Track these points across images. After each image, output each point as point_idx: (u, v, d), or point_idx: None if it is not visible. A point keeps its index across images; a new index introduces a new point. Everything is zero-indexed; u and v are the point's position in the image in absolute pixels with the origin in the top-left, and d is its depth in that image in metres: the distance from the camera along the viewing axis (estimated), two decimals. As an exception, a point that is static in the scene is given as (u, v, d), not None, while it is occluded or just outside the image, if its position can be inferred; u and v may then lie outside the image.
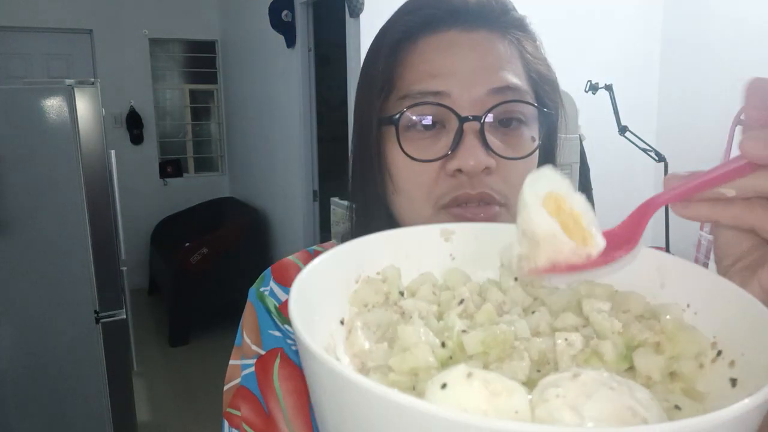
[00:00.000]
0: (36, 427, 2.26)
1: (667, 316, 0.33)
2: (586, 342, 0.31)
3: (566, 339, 0.30)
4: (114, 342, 2.32)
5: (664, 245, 2.71)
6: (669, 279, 0.35)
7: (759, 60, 2.68)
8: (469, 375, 0.23)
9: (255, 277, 0.62)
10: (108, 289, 2.28)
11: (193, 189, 5.28)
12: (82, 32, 4.82)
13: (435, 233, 0.39)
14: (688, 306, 0.33)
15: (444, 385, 0.23)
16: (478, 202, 0.50)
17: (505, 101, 0.51)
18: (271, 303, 0.59)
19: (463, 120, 0.50)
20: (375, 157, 0.55)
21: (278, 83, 3.89)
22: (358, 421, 0.23)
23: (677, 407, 0.28)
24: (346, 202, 0.64)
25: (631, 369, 0.30)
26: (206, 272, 3.89)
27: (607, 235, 0.34)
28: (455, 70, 0.51)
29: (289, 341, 0.56)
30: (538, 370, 0.30)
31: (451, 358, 0.30)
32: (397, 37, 0.54)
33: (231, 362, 0.59)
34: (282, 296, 0.59)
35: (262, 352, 0.57)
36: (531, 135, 0.54)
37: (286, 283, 0.60)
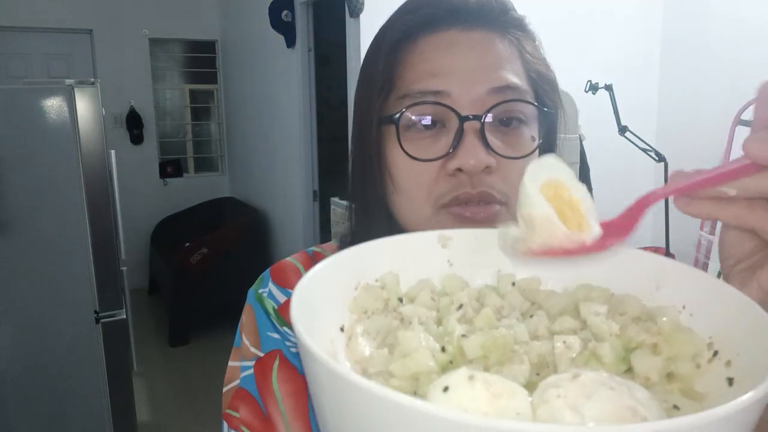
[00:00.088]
0: (36, 427, 2.26)
1: (664, 318, 0.33)
2: (584, 345, 0.31)
3: (564, 342, 0.31)
4: (114, 342, 2.32)
5: (664, 245, 2.71)
6: (664, 281, 0.35)
7: (759, 60, 2.68)
8: (471, 378, 0.24)
9: (255, 277, 0.62)
10: (108, 289, 2.29)
11: (193, 189, 5.28)
12: (82, 32, 4.82)
13: (433, 240, 0.40)
14: (683, 308, 0.34)
15: (446, 388, 0.24)
16: (479, 202, 0.50)
17: (506, 100, 0.51)
18: (270, 305, 0.59)
19: (463, 119, 0.50)
20: (375, 156, 0.55)
21: (278, 83, 3.89)
22: (360, 423, 0.23)
23: (676, 407, 0.28)
24: (346, 202, 0.64)
25: (629, 371, 0.31)
26: (206, 272, 3.89)
27: (605, 224, 0.34)
28: (455, 69, 0.51)
29: (287, 343, 0.56)
30: (538, 373, 0.30)
31: (451, 362, 0.30)
32: (397, 37, 0.54)
33: (230, 364, 0.59)
34: (281, 298, 0.59)
35: (261, 354, 0.57)
36: (531, 134, 0.54)
37: (284, 285, 0.60)
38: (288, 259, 0.63)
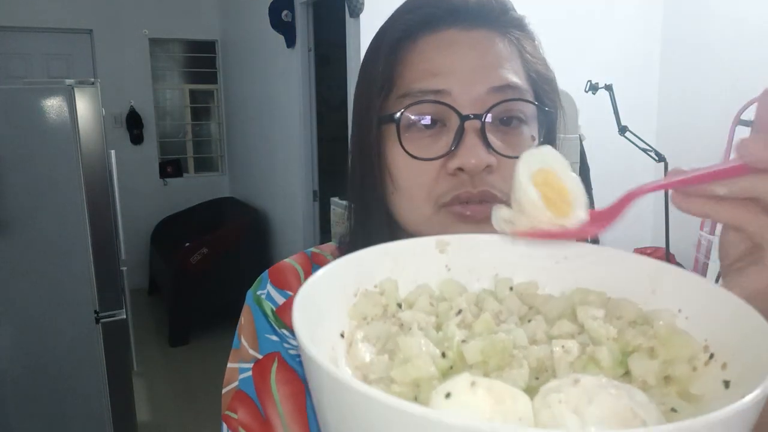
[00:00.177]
0: (36, 427, 2.26)
1: (660, 322, 0.33)
2: (582, 349, 0.31)
3: (563, 346, 0.31)
4: (114, 342, 2.32)
5: (664, 245, 2.71)
6: (660, 285, 0.36)
7: (759, 60, 2.68)
8: (473, 383, 0.24)
9: (255, 277, 0.62)
10: (108, 289, 2.29)
11: (193, 189, 5.28)
12: (82, 32, 4.82)
13: (430, 245, 0.40)
14: (679, 311, 0.34)
15: (448, 395, 0.24)
16: (480, 201, 0.50)
17: (506, 99, 0.51)
18: (268, 307, 0.58)
19: (464, 118, 0.50)
20: (375, 156, 0.55)
21: (278, 83, 3.89)
22: (363, 430, 0.23)
23: (674, 410, 0.28)
24: (345, 202, 0.64)
25: (626, 374, 0.31)
26: (206, 272, 3.89)
27: (593, 213, 0.36)
28: (455, 68, 0.51)
29: (286, 345, 0.56)
30: (537, 378, 0.31)
31: (451, 368, 0.31)
32: (397, 36, 0.54)
33: (229, 365, 0.59)
34: (279, 299, 0.59)
35: (259, 356, 0.56)
36: (531, 134, 0.54)
37: (283, 287, 0.60)
38: (286, 260, 0.63)
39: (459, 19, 0.53)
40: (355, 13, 2.65)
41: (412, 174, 0.52)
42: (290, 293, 0.59)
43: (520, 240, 0.39)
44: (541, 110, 0.55)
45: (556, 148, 0.59)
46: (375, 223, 0.57)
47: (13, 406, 2.21)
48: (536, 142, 0.54)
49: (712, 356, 0.31)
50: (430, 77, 0.52)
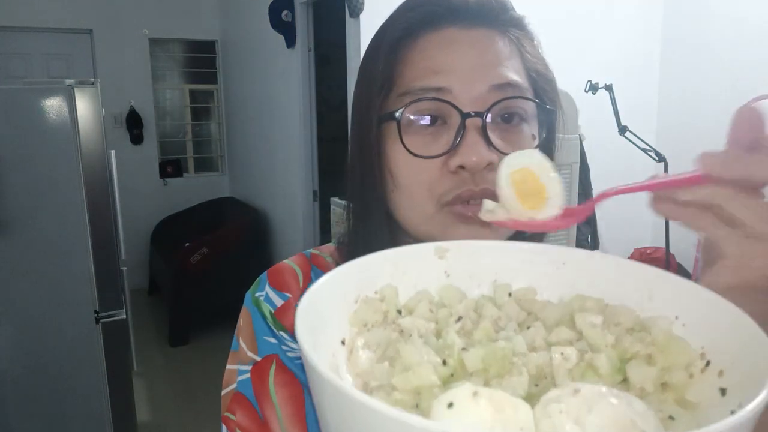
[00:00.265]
0: (36, 427, 2.26)
1: (657, 329, 0.34)
2: (580, 356, 0.32)
3: (562, 353, 0.31)
4: (114, 342, 2.32)
5: (664, 245, 2.72)
6: (657, 292, 0.36)
7: (759, 60, 2.68)
8: (475, 394, 0.24)
9: (255, 278, 0.62)
10: (108, 289, 2.29)
11: (193, 189, 5.28)
12: (82, 32, 4.82)
13: (430, 251, 0.40)
14: (676, 318, 0.34)
15: (450, 404, 0.24)
16: (481, 200, 0.50)
17: (507, 97, 0.51)
18: (267, 308, 0.58)
19: (465, 116, 0.50)
20: (375, 155, 0.55)
21: (278, 83, 3.89)
22: None
23: (671, 417, 0.28)
24: (345, 202, 0.64)
25: (624, 381, 0.31)
26: (206, 272, 3.89)
27: (568, 209, 0.41)
28: (456, 66, 0.52)
29: (284, 347, 0.56)
30: (536, 385, 0.31)
31: (452, 375, 0.31)
32: (397, 35, 0.54)
33: (228, 367, 0.59)
34: (277, 301, 0.59)
35: (258, 359, 0.56)
36: (531, 133, 0.54)
37: (281, 288, 0.60)
38: (285, 261, 0.63)
39: (459, 17, 0.53)
40: (355, 13, 2.65)
41: (412, 172, 0.52)
42: (289, 295, 0.59)
43: (519, 246, 0.41)
44: (541, 109, 0.55)
45: (555, 148, 0.60)
46: (374, 222, 0.57)
47: (13, 406, 2.21)
48: (536, 141, 0.54)
49: (708, 363, 0.31)
50: (431, 75, 0.52)
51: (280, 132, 3.99)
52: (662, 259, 2.82)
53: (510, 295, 0.39)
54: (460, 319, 0.35)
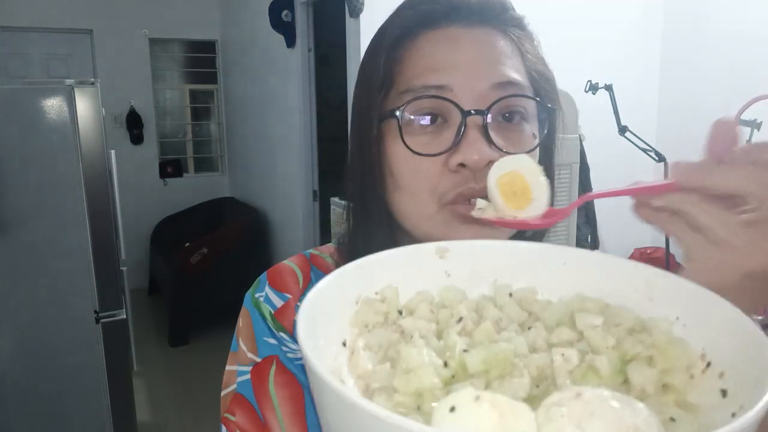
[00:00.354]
0: (36, 427, 2.26)
1: (658, 330, 0.34)
2: (581, 357, 0.32)
3: (563, 354, 0.31)
4: (114, 342, 2.32)
5: (663, 245, 2.71)
6: (657, 292, 0.36)
7: (759, 60, 2.68)
8: (477, 398, 0.24)
9: (255, 278, 0.62)
10: (108, 289, 2.28)
11: (193, 189, 5.28)
12: (82, 32, 4.82)
13: (430, 251, 0.40)
14: (677, 319, 0.34)
15: (453, 408, 0.24)
16: (483, 198, 0.50)
17: (508, 95, 0.51)
18: (267, 309, 0.58)
19: (466, 114, 0.50)
20: (375, 154, 0.55)
21: (278, 83, 3.89)
22: None
23: (672, 419, 0.28)
24: (345, 202, 0.64)
25: (625, 382, 0.31)
26: (206, 272, 3.89)
27: (552, 210, 0.45)
28: (457, 64, 0.51)
29: (284, 348, 0.56)
30: (537, 386, 0.31)
31: (453, 377, 0.31)
32: (397, 34, 0.54)
33: (227, 368, 0.59)
34: (277, 302, 0.58)
35: (258, 360, 0.56)
36: (532, 132, 0.54)
37: (281, 289, 0.59)
38: (285, 262, 0.63)
39: (460, 16, 0.53)
40: (355, 13, 2.65)
41: (413, 171, 0.52)
42: (288, 296, 0.59)
43: (519, 246, 0.41)
44: (541, 108, 0.55)
45: (555, 148, 0.60)
46: (374, 222, 0.57)
47: (13, 406, 2.21)
48: (537, 140, 0.54)
49: (709, 365, 0.31)
50: (432, 73, 0.52)
51: (280, 132, 3.99)
52: (662, 260, 2.82)
53: (510, 295, 0.39)
54: (461, 319, 0.35)
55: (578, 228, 2.36)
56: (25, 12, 4.54)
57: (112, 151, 2.27)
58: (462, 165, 0.50)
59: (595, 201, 1.93)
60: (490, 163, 0.49)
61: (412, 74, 0.53)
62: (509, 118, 0.52)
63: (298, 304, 0.31)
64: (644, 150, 2.58)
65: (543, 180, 0.44)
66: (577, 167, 2.26)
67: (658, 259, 2.92)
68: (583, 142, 2.47)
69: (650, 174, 3.07)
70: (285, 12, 3.47)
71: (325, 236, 3.70)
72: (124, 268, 2.37)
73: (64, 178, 2.16)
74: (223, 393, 0.58)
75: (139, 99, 5.01)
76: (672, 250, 2.75)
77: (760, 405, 0.22)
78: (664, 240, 2.65)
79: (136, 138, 5.04)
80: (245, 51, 4.63)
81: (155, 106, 5.18)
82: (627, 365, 0.31)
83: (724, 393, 0.29)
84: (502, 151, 0.50)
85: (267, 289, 0.60)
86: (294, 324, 0.56)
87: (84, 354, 2.28)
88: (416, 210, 0.53)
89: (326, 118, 4.16)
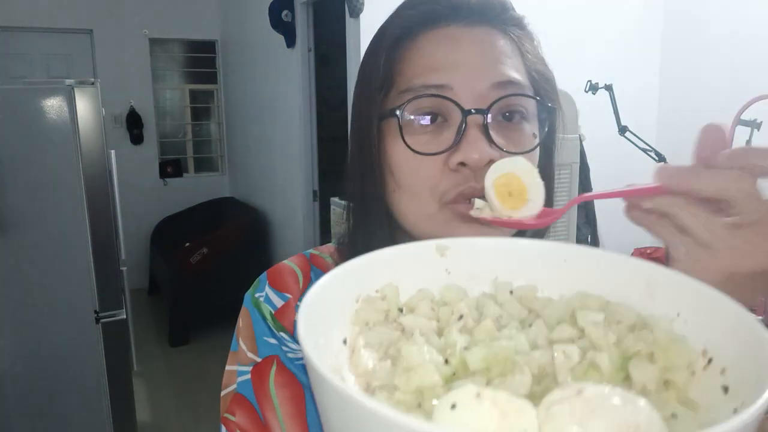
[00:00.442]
0: (36, 427, 2.26)
1: (658, 326, 0.33)
2: (583, 354, 0.31)
3: (564, 351, 0.31)
4: (114, 342, 2.32)
5: (663, 245, 2.71)
6: (658, 289, 0.36)
7: (759, 60, 2.68)
8: (478, 395, 0.24)
9: (254, 278, 0.62)
10: (108, 289, 2.29)
11: (193, 189, 5.28)
12: (82, 32, 4.82)
13: (431, 249, 0.40)
14: (678, 315, 0.34)
15: (453, 406, 0.24)
16: (483, 197, 0.51)
17: (509, 95, 0.51)
18: (267, 309, 0.58)
19: (466, 113, 0.50)
20: (375, 154, 0.55)
21: (278, 83, 3.89)
22: None
23: (674, 416, 0.28)
24: (345, 202, 0.64)
25: (626, 379, 0.31)
26: (206, 272, 3.89)
27: (545, 210, 0.46)
28: (457, 64, 0.51)
29: (284, 348, 0.56)
30: (539, 383, 0.31)
31: (454, 374, 0.31)
32: (397, 33, 0.54)
33: (227, 368, 0.59)
34: (277, 302, 0.58)
35: (258, 359, 0.56)
36: (532, 131, 0.54)
37: (281, 289, 0.59)
38: (285, 262, 0.63)
39: (460, 15, 0.53)
40: (355, 13, 2.65)
41: (414, 170, 0.52)
42: (289, 296, 0.59)
43: (520, 243, 0.41)
44: (542, 108, 0.55)
45: (555, 147, 0.60)
46: (374, 222, 0.57)
47: (13, 406, 2.21)
48: (537, 139, 0.54)
49: (710, 361, 0.31)
50: (432, 72, 0.52)
51: (280, 132, 3.99)
52: (662, 260, 2.81)
53: (511, 292, 0.39)
54: (461, 317, 0.35)
55: (578, 228, 2.36)
56: (25, 12, 4.54)
57: (112, 151, 2.27)
58: (462, 164, 0.50)
59: (596, 201, 1.93)
60: (491, 162, 0.49)
61: (412, 74, 0.53)
62: (509, 117, 0.52)
63: (299, 303, 0.31)
64: (644, 150, 2.58)
65: (538, 182, 0.46)
66: (577, 167, 2.26)
67: (658, 260, 2.92)
68: (583, 142, 2.47)
69: (650, 174, 3.07)
70: (285, 12, 3.47)
71: (325, 236, 3.70)
72: (124, 268, 2.37)
73: (64, 178, 2.16)
74: (222, 393, 0.58)
75: (139, 99, 5.01)
76: (672, 250, 2.74)
77: (761, 401, 0.22)
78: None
79: (136, 138, 5.04)
80: (245, 51, 4.63)
81: (155, 106, 5.18)
82: (628, 362, 0.31)
83: (725, 389, 0.29)
84: (502, 150, 0.50)
85: (267, 289, 0.59)
86: (294, 324, 0.56)
87: (84, 354, 2.28)
88: (416, 209, 0.53)
89: (326, 118, 4.15)
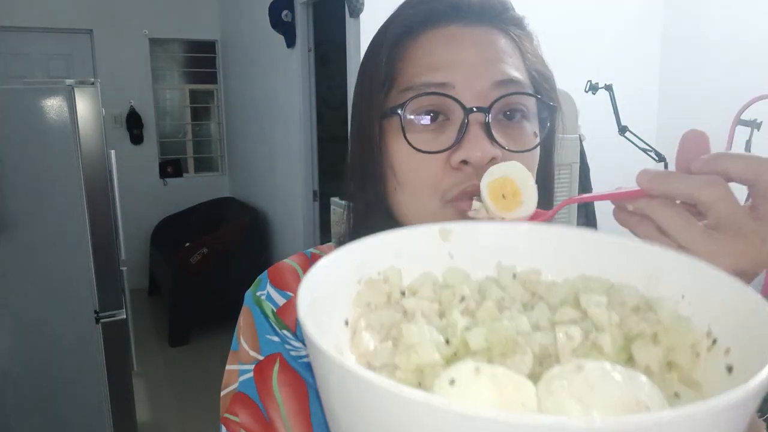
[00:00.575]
0: (36, 427, 2.26)
1: (663, 308, 0.33)
2: (585, 335, 0.31)
3: (566, 332, 0.31)
4: (114, 342, 2.32)
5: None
6: (663, 270, 0.35)
7: (759, 60, 2.68)
8: (477, 370, 0.24)
9: (255, 278, 0.62)
10: (108, 289, 2.29)
11: (193, 189, 5.28)
12: (82, 32, 4.82)
13: (434, 233, 0.40)
14: (682, 297, 0.34)
15: (452, 381, 0.24)
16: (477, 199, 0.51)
17: (510, 93, 0.51)
18: (269, 308, 0.58)
19: (468, 111, 0.50)
20: (377, 153, 0.55)
21: (278, 83, 3.89)
22: (369, 418, 0.23)
23: (676, 395, 0.28)
24: (345, 202, 0.64)
25: (630, 360, 0.31)
26: (206, 272, 3.89)
27: (538, 212, 0.47)
28: (458, 62, 0.52)
29: (287, 346, 0.56)
30: (541, 364, 0.30)
31: (455, 354, 0.31)
32: (398, 32, 0.55)
33: (228, 367, 0.58)
34: (279, 300, 0.58)
35: (260, 358, 0.56)
36: (533, 130, 0.54)
37: (283, 287, 0.59)
38: (285, 261, 0.63)
39: (461, 15, 0.54)
40: (355, 13, 2.65)
41: (415, 168, 0.52)
42: (290, 294, 0.59)
43: (524, 227, 0.42)
44: (542, 107, 0.55)
45: (555, 148, 0.60)
46: (375, 221, 0.57)
47: (13, 406, 2.21)
48: (538, 138, 0.54)
49: (714, 342, 0.31)
50: (433, 71, 0.52)
51: (280, 132, 3.99)
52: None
53: (514, 276, 0.38)
54: (463, 299, 0.35)
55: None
56: (25, 12, 4.54)
57: (112, 151, 2.27)
58: (464, 162, 0.50)
59: (596, 201, 1.93)
60: (493, 160, 0.50)
61: (413, 72, 0.53)
62: (510, 116, 0.53)
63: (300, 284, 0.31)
64: (644, 150, 2.58)
65: (532, 184, 0.47)
66: (577, 167, 2.27)
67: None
68: (583, 142, 2.47)
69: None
70: (285, 12, 3.47)
71: (325, 236, 3.70)
72: (124, 268, 2.37)
73: (64, 178, 2.16)
74: (222, 393, 0.58)
75: (139, 99, 5.01)
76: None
77: (763, 375, 0.22)
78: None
79: (136, 138, 5.04)
80: (245, 51, 4.63)
81: (155, 106, 5.18)
82: (631, 343, 0.31)
83: (729, 369, 0.28)
84: (504, 148, 0.51)
85: (269, 288, 0.59)
86: (297, 321, 0.56)
87: (84, 354, 2.28)
88: (418, 208, 0.53)
89: (326, 118, 4.16)
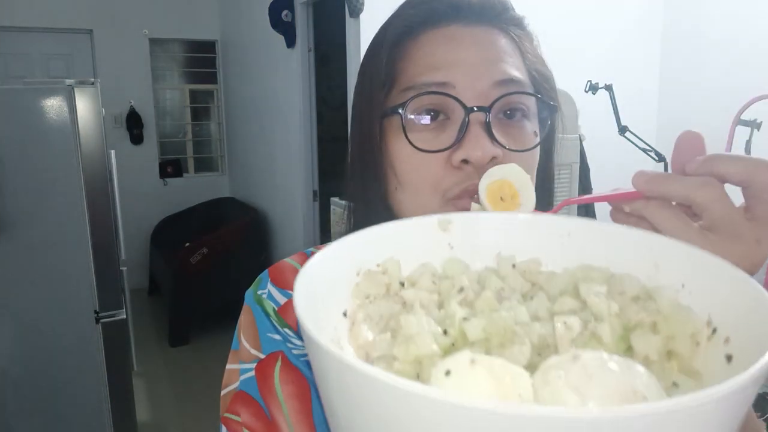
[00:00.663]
0: (36, 427, 2.26)
1: (663, 297, 0.33)
2: (584, 325, 0.31)
3: (565, 322, 0.31)
4: (114, 342, 2.32)
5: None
6: (663, 260, 0.35)
7: (759, 60, 2.69)
8: (473, 361, 0.24)
9: (255, 277, 0.61)
10: (108, 289, 2.29)
11: (193, 189, 5.28)
12: (82, 32, 4.82)
13: (433, 223, 0.40)
14: (683, 286, 0.34)
15: (448, 372, 0.24)
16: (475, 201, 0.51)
17: (511, 92, 0.52)
18: (270, 306, 0.58)
19: (469, 110, 0.50)
20: (378, 152, 0.55)
21: (278, 83, 3.89)
22: (366, 410, 0.23)
23: (675, 384, 0.28)
24: (345, 202, 0.64)
25: (629, 350, 0.31)
26: (206, 272, 3.89)
27: (536, 213, 0.47)
28: (459, 62, 0.52)
29: (289, 345, 0.56)
30: (539, 354, 0.30)
31: (453, 345, 0.31)
32: (399, 32, 0.55)
33: (228, 367, 0.58)
34: (280, 299, 0.58)
35: (262, 356, 0.56)
36: (533, 130, 0.54)
37: (283, 286, 0.59)
38: (286, 260, 0.63)
39: (461, 15, 0.54)
40: (355, 13, 2.65)
41: (416, 167, 0.52)
42: (291, 293, 0.59)
43: (523, 217, 0.41)
44: (542, 107, 0.55)
45: (555, 148, 0.60)
46: (376, 221, 0.57)
47: (13, 406, 2.21)
48: (538, 138, 0.54)
49: (714, 331, 0.30)
50: (434, 70, 0.52)
51: (280, 132, 3.99)
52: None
53: (514, 266, 0.38)
54: (462, 289, 0.35)
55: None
56: (25, 12, 4.54)
57: (112, 151, 2.27)
58: (465, 161, 0.50)
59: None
60: (494, 159, 0.50)
61: (413, 72, 0.53)
62: (510, 115, 0.53)
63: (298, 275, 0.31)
64: (644, 150, 2.58)
65: (531, 187, 0.48)
66: (577, 167, 2.27)
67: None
68: (583, 142, 2.47)
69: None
70: (285, 12, 3.47)
71: (325, 236, 3.70)
72: (124, 268, 2.37)
73: (64, 178, 2.16)
74: (223, 392, 0.58)
75: (139, 99, 5.01)
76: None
77: (762, 362, 0.22)
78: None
79: (136, 138, 5.04)
80: (245, 51, 4.63)
81: (155, 106, 5.18)
82: (630, 333, 0.31)
83: (729, 358, 0.28)
84: (504, 147, 0.51)
85: (270, 286, 0.59)
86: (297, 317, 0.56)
87: (84, 354, 2.28)
88: (419, 207, 0.54)
89: (326, 118, 4.16)
